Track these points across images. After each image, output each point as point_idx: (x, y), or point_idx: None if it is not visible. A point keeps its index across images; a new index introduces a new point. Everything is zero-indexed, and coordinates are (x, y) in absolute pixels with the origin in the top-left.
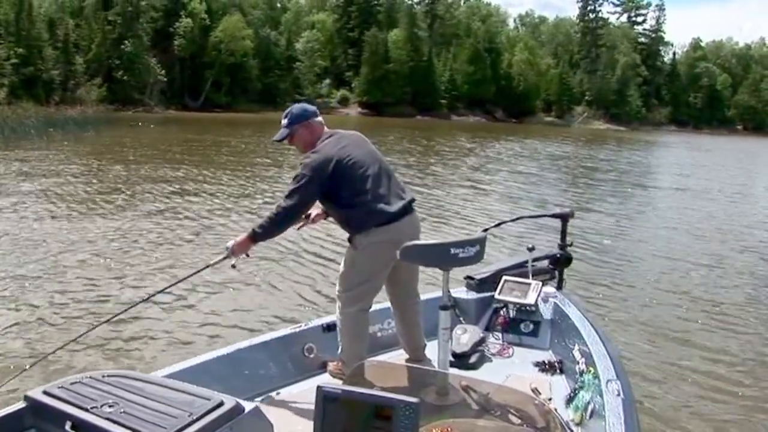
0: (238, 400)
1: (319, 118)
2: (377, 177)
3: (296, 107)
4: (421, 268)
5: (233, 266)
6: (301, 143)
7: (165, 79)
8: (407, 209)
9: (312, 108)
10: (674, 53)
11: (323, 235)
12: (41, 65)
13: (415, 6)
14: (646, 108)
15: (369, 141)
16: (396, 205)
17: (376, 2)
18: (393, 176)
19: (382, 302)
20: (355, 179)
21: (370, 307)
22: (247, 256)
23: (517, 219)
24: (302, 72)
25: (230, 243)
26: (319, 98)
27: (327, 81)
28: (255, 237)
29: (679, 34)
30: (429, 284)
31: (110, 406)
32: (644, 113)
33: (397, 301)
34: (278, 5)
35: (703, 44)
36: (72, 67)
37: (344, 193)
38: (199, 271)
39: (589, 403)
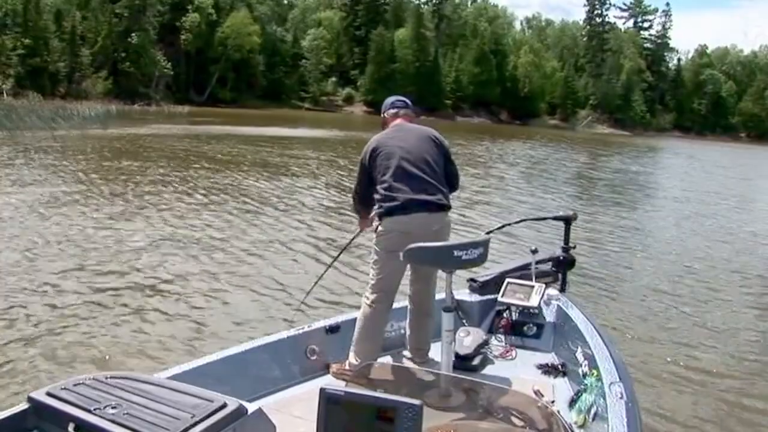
0: (241, 401)
1: (392, 110)
2: (401, 169)
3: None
4: None
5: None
6: None
7: (171, 73)
8: (421, 206)
9: (389, 101)
10: (679, 59)
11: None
12: (47, 57)
13: (422, 6)
14: (650, 113)
15: (430, 138)
16: (409, 199)
17: (383, 1)
18: (428, 174)
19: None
20: (380, 167)
21: (389, 307)
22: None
23: (521, 221)
24: (308, 69)
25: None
26: (324, 96)
27: (332, 79)
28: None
29: (685, 39)
30: None
31: (113, 408)
32: (648, 118)
33: (415, 300)
34: (285, 2)
35: (708, 51)
36: (78, 59)
37: (374, 179)
38: (347, 246)
39: (592, 405)
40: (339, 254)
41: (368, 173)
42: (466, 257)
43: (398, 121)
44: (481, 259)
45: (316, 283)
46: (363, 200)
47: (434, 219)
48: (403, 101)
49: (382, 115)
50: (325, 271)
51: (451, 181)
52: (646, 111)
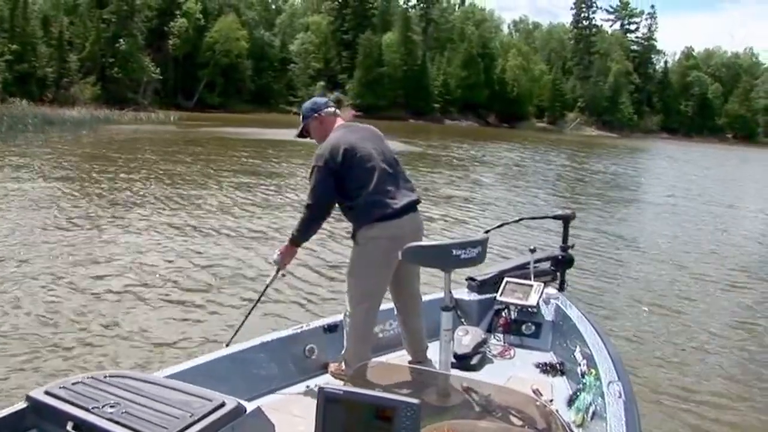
0: (240, 400)
1: (330, 109)
2: (383, 171)
3: (307, 102)
4: (422, 268)
5: (283, 275)
6: (316, 136)
7: (160, 78)
8: (410, 207)
9: (322, 100)
10: (666, 61)
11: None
12: (35, 62)
13: (410, 10)
14: (637, 115)
15: (383, 136)
16: (399, 202)
17: (370, 5)
18: (401, 173)
19: (384, 303)
20: (360, 170)
21: (378, 308)
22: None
23: (519, 220)
24: (296, 74)
25: (275, 256)
26: None
27: (321, 83)
28: (295, 241)
29: (671, 41)
30: (430, 285)
31: (112, 407)
32: (636, 120)
33: (400, 302)
34: (273, 7)
35: (694, 53)
36: (66, 64)
37: (350, 184)
38: (263, 292)
39: (590, 404)
40: (260, 296)
41: (339, 176)
42: (465, 256)
43: (341, 120)
44: (480, 258)
45: (241, 324)
46: (326, 212)
47: (418, 217)
48: (332, 101)
49: (315, 115)
50: (248, 314)
51: None
52: (633, 113)
